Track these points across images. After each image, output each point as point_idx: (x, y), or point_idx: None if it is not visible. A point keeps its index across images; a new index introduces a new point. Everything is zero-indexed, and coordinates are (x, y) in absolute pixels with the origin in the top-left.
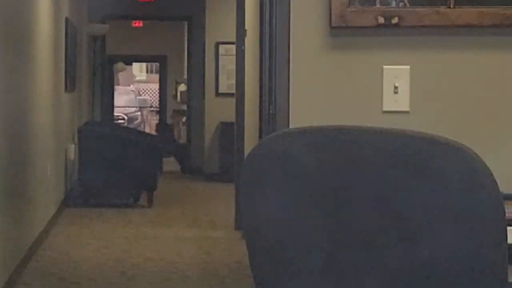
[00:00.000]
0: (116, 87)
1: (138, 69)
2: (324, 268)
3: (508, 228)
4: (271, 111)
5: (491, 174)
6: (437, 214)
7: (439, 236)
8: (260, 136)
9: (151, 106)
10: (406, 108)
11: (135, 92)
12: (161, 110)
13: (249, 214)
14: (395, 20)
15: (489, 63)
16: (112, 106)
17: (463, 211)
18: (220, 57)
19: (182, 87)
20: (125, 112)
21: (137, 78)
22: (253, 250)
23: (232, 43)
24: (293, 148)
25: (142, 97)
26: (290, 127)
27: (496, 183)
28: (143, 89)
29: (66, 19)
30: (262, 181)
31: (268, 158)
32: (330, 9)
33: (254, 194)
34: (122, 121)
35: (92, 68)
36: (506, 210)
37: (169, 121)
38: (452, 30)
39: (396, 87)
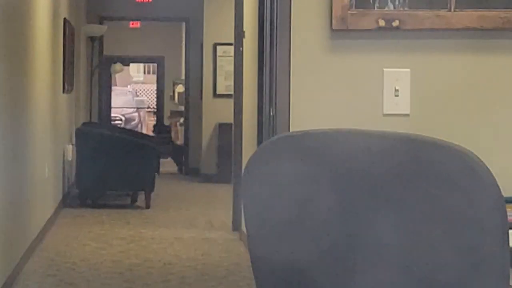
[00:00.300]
0: (113, 87)
1: (136, 70)
2: (323, 278)
3: (510, 231)
4: (271, 113)
5: (493, 177)
6: (439, 217)
7: (441, 239)
8: (258, 137)
9: (148, 107)
10: (407, 111)
11: (133, 93)
12: (159, 111)
13: (251, 216)
14: (396, 23)
15: (489, 66)
16: (110, 107)
17: (465, 214)
18: (218, 58)
19: (180, 88)
20: (122, 113)
21: (135, 79)
22: (256, 253)
23: (230, 44)
24: (296, 152)
25: (140, 98)
26: (291, 129)
27: (498, 187)
28: (140, 90)
29: (65, 20)
30: (265, 184)
31: (271, 161)
32: (331, 12)
33: (257, 197)
34: (120, 122)
35: (89, 69)
36: (508, 214)
37: (166, 122)
38: (453, 33)
39: (396, 90)
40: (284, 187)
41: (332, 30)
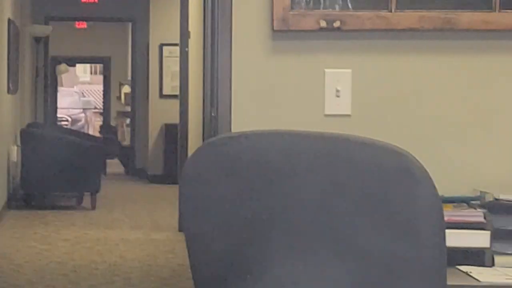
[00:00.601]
0: (59, 88)
1: (82, 71)
2: (261, 269)
3: (446, 231)
4: (213, 114)
5: (430, 178)
6: (376, 218)
7: (376, 239)
8: (203, 138)
9: (95, 108)
10: (348, 112)
11: (79, 94)
12: (105, 112)
13: (190, 216)
14: (337, 24)
15: (429, 67)
16: (56, 107)
17: (402, 215)
18: (164, 59)
19: (126, 89)
20: (68, 113)
21: (81, 80)
22: (194, 251)
23: (176, 44)
24: (234, 153)
25: (86, 98)
26: (232, 130)
27: (434, 187)
28: (87, 90)
29: (9, 20)
30: (202, 187)
31: (209, 162)
32: (272, 12)
33: (195, 199)
34: (66, 122)
35: (35, 70)
36: (445, 213)
37: (113, 122)
38: (394, 34)
39: (338, 91)
40: (218, 188)
41: (273, 31)
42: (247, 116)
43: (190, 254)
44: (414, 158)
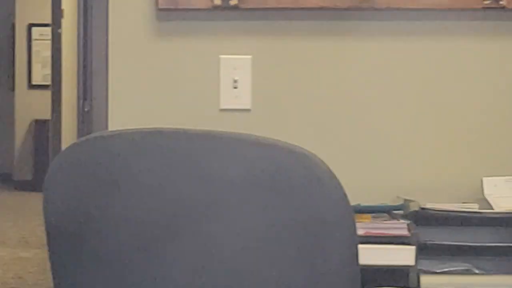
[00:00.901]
0: None
1: None
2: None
3: (364, 246)
4: (86, 109)
5: (339, 184)
6: (278, 227)
7: (278, 253)
8: (79, 137)
9: None
10: (248, 106)
11: None
12: None
13: (51, 231)
14: (233, 2)
15: (344, 53)
16: None
17: (308, 223)
18: (34, 42)
19: None
20: None
21: None
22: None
23: (47, 25)
24: (103, 157)
25: None
26: (109, 128)
27: (345, 194)
28: None
29: None
30: (63, 198)
31: (71, 169)
32: None
33: (55, 213)
34: None
35: None
36: (362, 225)
37: None
38: (302, 14)
39: (235, 81)
40: (82, 201)
41: (158, 9)
42: (127, 110)
43: (52, 273)
44: (321, 161)
